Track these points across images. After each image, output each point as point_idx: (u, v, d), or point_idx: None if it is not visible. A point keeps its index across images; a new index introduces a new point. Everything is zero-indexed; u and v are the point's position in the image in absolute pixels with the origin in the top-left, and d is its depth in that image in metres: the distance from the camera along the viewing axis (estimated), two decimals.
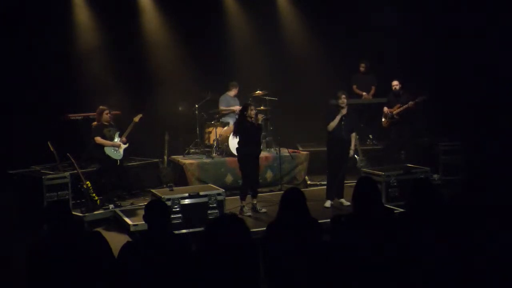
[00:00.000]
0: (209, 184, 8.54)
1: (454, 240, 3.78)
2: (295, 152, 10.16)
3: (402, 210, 6.08)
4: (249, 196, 8.04)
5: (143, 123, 8.83)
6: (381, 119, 10.43)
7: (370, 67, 11.36)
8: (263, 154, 9.12)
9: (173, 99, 10.77)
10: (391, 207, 6.97)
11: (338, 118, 8.06)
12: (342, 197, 8.24)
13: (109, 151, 8.41)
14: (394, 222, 4.16)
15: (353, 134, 8.22)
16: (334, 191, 8.30)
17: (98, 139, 8.34)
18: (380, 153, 10.53)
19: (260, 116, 8.17)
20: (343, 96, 8.10)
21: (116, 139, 8.51)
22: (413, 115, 10.09)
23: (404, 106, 9.97)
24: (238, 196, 8.18)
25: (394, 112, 10.12)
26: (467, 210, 4.01)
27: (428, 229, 3.83)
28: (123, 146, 8.54)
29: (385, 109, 10.28)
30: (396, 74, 10.45)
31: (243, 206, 7.99)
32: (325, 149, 8.49)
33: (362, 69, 11.38)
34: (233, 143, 8.97)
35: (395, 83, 10.15)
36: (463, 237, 3.79)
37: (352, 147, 8.19)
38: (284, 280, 3.93)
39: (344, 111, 8.10)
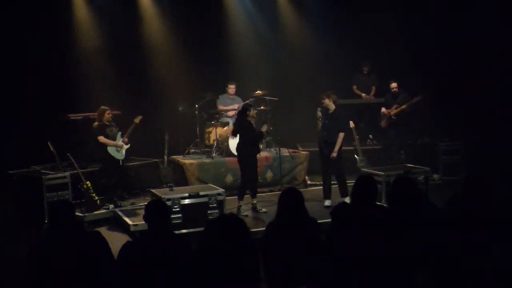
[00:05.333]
0: (209, 184, 8.55)
1: (452, 240, 3.78)
2: (295, 152, 10.16)
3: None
4: (248, 196, 8.04)
5: (143, 123, 8.82)
6: (380, 120, 10.43)
7: (372, 67, 11.36)
8: (263, 154, 9.13)
9: (173, 99, 10.77)
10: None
11: (318, 119, 8.24)
12: (346, 196, 8.17)
13: (112, 151, 8.41)
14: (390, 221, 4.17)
15: (340, 135, 8.12)
16: (329, 191, 8.34)
17: (102, 139, 8.35)
18: (380, 153, 10.52)
19: (266, 126, 8.14)
20: (322, 100, 8.22)
21: (118, 139, 8.51)
22: (410, 115, 10.10)
23: (401, 107, 9.99)
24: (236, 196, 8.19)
25: (392, 113, 10.13)
26: (466, 211, 4.01)
27: (408, 228, 3.83)
28: (125, 147, 8.55)
29: (383, 110, 10.29)
30: (396, 74, 10.45)
31: (241, 206, 8.00)
32: None
33: (365, 72, 11.39)
34: (233, 143, 8.97)
35: (394, 85, 10.16)
36: (461, 237, 3.80)
37: (335, 149, 8.08)
38: (283, 279, 3.94)
39: (318, 112, 8.24)
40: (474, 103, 10.02)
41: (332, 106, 8.18)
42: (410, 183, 4.27)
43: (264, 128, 8.08)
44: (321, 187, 8.67)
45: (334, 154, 8.09)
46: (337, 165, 8.22)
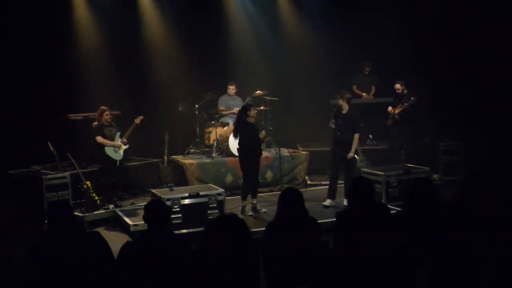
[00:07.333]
0: (209, 184, 8.54)
1: (452, 240, 3.78)
2: (295, 152, 10.16)
3: (399, 209, 6.06)
4: (249, 196, 8.05)
5: (143, 123, 8.82)
6: (386, 118, 10.50)
7: (372, 67, 11.36)
8: (263, 154, 9.12)
9: (173, 99, 10.77)
10: (390, 207, 6.97)
11: (331, 118, 8.24)
12: None
13: (109, 151, 8.41)
14: (391, 221, 4.17)
15: (356, 136, 8.11)
16: (334, 190, 8.30)
17: (99, 139, 8.35)
18: (384, 153, 10.53)
19: (263, 133, 8.11)
20: (336, 100, 8.28)
21: (117, 140, 8.51)
22: (411, 115, 10.14)
23: (402, 107, 10.05)
24: (238, 196, 8.20)
25: (396, 112, 10.22)
26: (466, 211, 4.01)
27: (425, 229, 3.83)
28: (124, 147, 8.55)
29: (389, 108, 10.38)
30: (396, 74, 10.46)
31: (245, 206, 8.00)
32: (325, 149, 8.54)
33: (366, 73, 11.39)
34: (233, 143, 8.97)
35: (397, 86, 10.23)
36: (461, 237, 3.80)
37: (352, 149, 8.08)
38: (283, 279, 3.94)
39: (331, 125, 8.25)
40: (474, 103, 10.02)
41: (345, 107, 8.15)
42: (431, 185, 4.25)
43: (261, 134, 8.04)
44: (321, 187, 8.66)
45: (351, 154, 8.08)
46: (350, 166, 8.22)
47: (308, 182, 10.10)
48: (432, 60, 10.66)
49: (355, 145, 8.13)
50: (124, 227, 7.65)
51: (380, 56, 11.00)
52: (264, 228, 4.27)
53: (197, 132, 10.32)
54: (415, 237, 3.81)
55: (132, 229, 7.28)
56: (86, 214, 8.01)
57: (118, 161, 8.53)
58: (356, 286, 3.75)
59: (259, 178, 8.41)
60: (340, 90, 8.34)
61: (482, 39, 9.80)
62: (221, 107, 10.38)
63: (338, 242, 3.99)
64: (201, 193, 7.48)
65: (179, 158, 9.98)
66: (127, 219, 7.62)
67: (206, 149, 10.14)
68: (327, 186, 8.47)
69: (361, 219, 3.92)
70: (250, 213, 7.93)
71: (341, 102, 8.15)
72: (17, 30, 9.61)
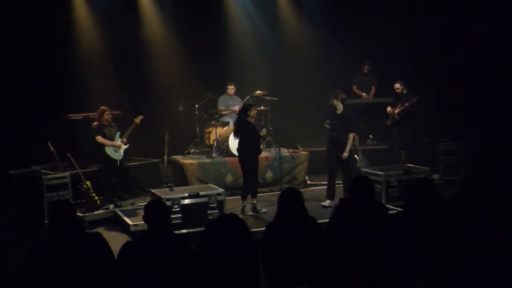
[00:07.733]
0: (209, 184, 8.55)
1: (452, 240, 3.78)
2: (295, 152, 10.16)
3: (399, 209, 6.06)
4: (249, 196, 8.05)
5: (143, 123, 8.83)
6: (386, 118, 10.51)
7: (372, 67, 11.36)
8: (263, 154, 9.14)
9: (173, 99, 10.77)
10: (390, 206, 6.97)
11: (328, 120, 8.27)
12: None
13: (109, 151, 8.42)
14: (390, 221, 4.17)
15: (351, 135, 8.12)
16: (333, 190, 8.29)
17: (99, 139, 8.35)
18: (384, 153, 10.53)
19: (264, 131, 8.11)
20: (330, 101, 8.28)
21: (117, 140, 8.52)
22: (411, 115, 10.15)
23: (403, 107, 10.07)
24: (238, 196, 8.21)
25: (395, 112, 10.21)
26: (466, 210, 4.01)
27: (425, 229, 3.83)
28: (124, 147, 8.55)
29: (388, 108, 10.38)
30: (396, 74, 10.46)
31: (245, 206, 8.00)
32: (325, 149, 8.55)
33: (365, 71, 11.39)
34: (233, 143, 8.97)
35: (396, 86, 10.23)
36: (461, 237, 3.80)
37: (346, 149, 8.06)
38: (283, 279, 3.94)
39: (325, 125, 8.29)
40: (474, 103, 10.02)
41: (340, 107, 8.15)
42: (431, 185, 4.25)
43: (262, 133, 8.05)
44: (321, 187, 8.66)
45: (346, 154, 8.06)
46: (348, 166, 8.20)
47: (308, 182, 10.11)
48: (432, 60, 10.66)
49: (349, 145, 8.10)
50: (124, 227, 7.65)
51: (380, 56, 11.00)
52: (264, 228, 4.27)
53: (197, 132, 10.32)
54: (415, 237, 3.81)
55: (132, 229, 7.28)
56: (86, 214, 8.01)
57: (118, 161, 8.54)
58: (356, 286, 3.76)
59: (259, 178, 8.41)
60: (335, 90, 8.33)
61: (482, 39, 9.80)
62: (220, 107, 10.38)
63: (334, 234, 4.00)
64: (201, 193, 7.48)
65: (179, 158, 9.98)
66: (127, 219, 7.62)
67: (206, 149, 10.14)
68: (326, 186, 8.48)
69: (360, 218, 3.92)
70: (250, 213, 7.93)
71: (335, 102, 8.16)
72: (17, 30, 9.61)
